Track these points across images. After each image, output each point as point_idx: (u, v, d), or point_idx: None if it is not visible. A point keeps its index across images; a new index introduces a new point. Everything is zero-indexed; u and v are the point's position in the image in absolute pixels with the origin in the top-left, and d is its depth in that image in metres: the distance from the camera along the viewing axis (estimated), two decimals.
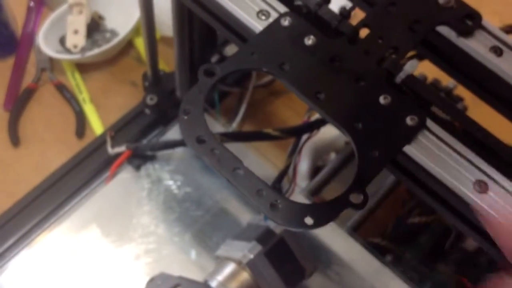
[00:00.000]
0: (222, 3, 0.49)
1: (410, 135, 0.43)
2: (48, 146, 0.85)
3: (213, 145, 0.41)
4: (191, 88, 0.42)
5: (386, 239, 0.72)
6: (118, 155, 0.76)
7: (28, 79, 0.91)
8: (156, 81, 0.83)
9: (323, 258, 0.70)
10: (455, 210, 0.46)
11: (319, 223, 0.39)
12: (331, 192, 0.76)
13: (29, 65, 0.92)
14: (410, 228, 0.72)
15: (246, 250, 0.61)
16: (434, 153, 0.43)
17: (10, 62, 0.92)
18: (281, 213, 0.39)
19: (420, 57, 0.52)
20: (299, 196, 0.73)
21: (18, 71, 0.91)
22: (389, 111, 0.43)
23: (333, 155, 0.82)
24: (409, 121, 0.43)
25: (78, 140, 0.85)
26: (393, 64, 0.45)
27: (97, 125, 0.86)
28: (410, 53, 0.49)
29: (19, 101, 0.88)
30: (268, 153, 0.82)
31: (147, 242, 0.71)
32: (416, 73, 0.47)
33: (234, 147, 0.43)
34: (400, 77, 0.45)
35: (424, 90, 0.44)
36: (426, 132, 0.44)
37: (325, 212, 0.40)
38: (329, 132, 0.79)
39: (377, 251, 0.70)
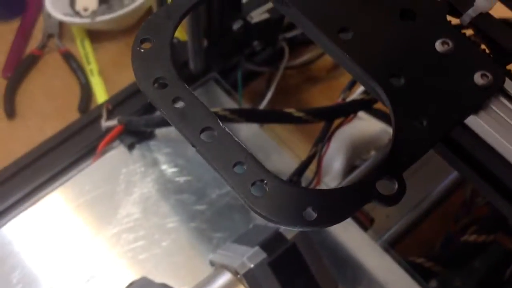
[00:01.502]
0: None
1: (478, 100, 0.30)
2: (46, 121, 0.78)
3: (178, 92, 0.28)
4: (156, 12, 0.29)
5: (431, 260, 0.63)
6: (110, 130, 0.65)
7: (33, 45, 0.84)
8: None
9: (349, 275, 0.59)
10: None
11: (325, 219, 0.25)
12: None
13: (36, 30, 0.86)
14: (463, 249, 0.64)
15: (246, 257, 0.47)
16: None
17: (16, 24, 0.86)
18: (267, 199, 0.25)
19: None
20: None
21: (23, 35, 0.85)
22: (449, 62, 0.30)
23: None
24: (478, 79, 0.30)
25: (80, 115, 0.76)
26: None
27: (103, 101, 0.77)
28: None
29: (20, 68, 0.81)
30: (296, 148, 0.71)
31: (133, 238, 0.60)
32: None
33: (252, 135, 0.30)
34: (468, 15, 0.31)
35: (504, 35, 0.30)
36: (502, 98, 0.30)
37: (336, 203, 0.26)
38: (371, 126, 0.71)
39: (419, 274, 0.61)
